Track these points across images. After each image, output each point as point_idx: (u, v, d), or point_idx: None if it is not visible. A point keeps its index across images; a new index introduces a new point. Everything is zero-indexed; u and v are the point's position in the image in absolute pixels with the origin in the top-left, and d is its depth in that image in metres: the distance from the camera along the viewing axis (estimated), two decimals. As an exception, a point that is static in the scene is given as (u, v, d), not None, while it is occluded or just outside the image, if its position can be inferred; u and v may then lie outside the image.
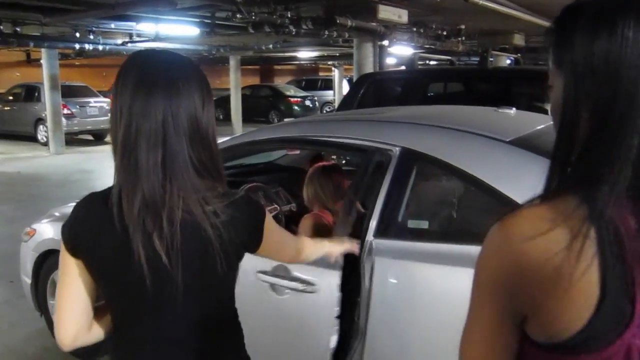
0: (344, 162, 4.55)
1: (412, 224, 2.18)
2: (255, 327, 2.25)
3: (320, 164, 2.97)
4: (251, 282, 2.22)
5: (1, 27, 9.61)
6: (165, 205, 1.09)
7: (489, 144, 2.12)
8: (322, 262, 1.96)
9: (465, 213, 2.30)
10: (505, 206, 2.01)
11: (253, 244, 1.25)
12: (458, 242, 2.00)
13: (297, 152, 4.27)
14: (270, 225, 1.29)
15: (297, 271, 2.16)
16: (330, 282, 2.09)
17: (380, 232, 2.12)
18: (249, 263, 2.27)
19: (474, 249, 1.89)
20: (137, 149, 1.08)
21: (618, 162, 0.68)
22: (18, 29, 10.04)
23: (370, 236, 2.11)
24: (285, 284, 2.17)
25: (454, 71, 6.38)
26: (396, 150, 2.20)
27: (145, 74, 1.11)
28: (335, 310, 2.07)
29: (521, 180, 2.02)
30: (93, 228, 1.13)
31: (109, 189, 1.14)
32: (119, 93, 1.11)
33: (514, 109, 2.74)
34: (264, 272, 2.22)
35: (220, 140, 2.79)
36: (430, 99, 5.51)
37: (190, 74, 1.15)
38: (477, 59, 15.91)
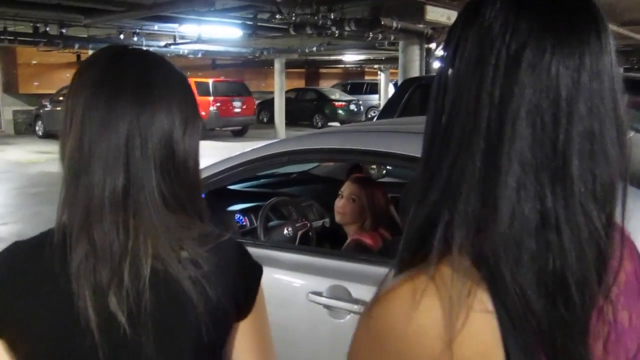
0: (384, 172, 4.25)
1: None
2: (308, 354, 2.03)
3: (359, 175, 2.63)
4: (302, 305, 1.99)
5: (47, 29, 9.73)
6: (126, 253, 0.78)
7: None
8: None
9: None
10: None
11: (245, 307, 0.90)
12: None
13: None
14: (262, 302, 0.93)
15: (359, 292, 1.91)
16: None
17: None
18: (300, 283, 2.05)
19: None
20: (90, 173, 0.78)
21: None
22: (64, 31, 10.16)
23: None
24: (345, 306, 1.91)
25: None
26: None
27: (110, 72, 0.82)
28: None
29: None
30: (23, 293, 0.79)
31: (43, 235, 0.82)
32: (71, 95, 0.82)
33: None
34: (318, 294, 1.96)
35: (258, 145, 2.61)
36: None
37: (171, 81, 0.86)
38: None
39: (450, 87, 0.57)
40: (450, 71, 0.58)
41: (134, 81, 0.81)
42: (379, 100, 21.75)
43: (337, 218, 2.47)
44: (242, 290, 0.88)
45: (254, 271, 0.92)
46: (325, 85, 25.35)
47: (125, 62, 0.84)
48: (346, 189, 2.45)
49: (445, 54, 0.59)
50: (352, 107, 19.81)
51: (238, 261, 0.89)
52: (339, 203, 2.45)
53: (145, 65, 0.85)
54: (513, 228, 0.52)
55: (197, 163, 0.88)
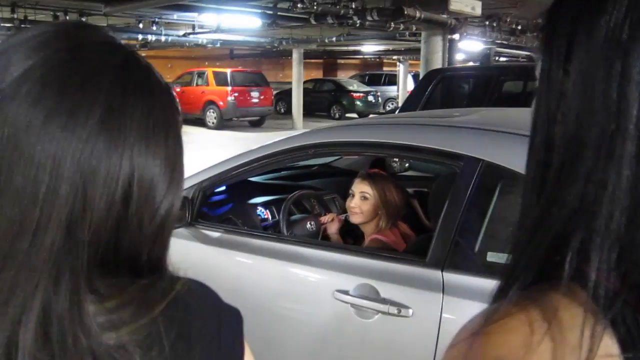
0: (407, 165, 4.16)
1: (492, 257, 1.77)
2: (333, 352, 1.96)
3: (367, 171, 2.53)
4: (327, 303, 1.92)
5: (67, 17, 9.74)
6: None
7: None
8: (420, 283, 1.76)
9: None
10: None
11: None
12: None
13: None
14: None
15: (387, 291, 1.83)
16: (428, 306, 1.75)
17: (450, 264, 1.74)
18: (324, 280, 1.98)
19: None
20: None
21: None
22: (83, 20, 10.16)
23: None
24: (374, 305, 1.83)
25: (535, 68, 5.79)
26: (476, 165, 1.80)
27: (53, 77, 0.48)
28: (434, 339, 1.72)
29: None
30: None
31: None
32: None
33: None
34: (344, 292, 1.89)
35: (279, 138, 2.53)
36: (508, 100, 4.98)
37: (104, 69, 0.51)
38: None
39: (572, 87, 0.47)
40: (561, 69, 0.48)
41: (25, 74, 0.48)
42: (397, 91, 21.59)
43: (353, 219, 2.37)
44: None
45: (233, 327, 0.60)
46: (343, 76, 25.21)
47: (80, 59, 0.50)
48: (356, 187, 2.36)
49: (552, 49, 0.50)
50: (370, 98, 19.65)
51: (207, 321, 0.57)
52: (351, 203, 2.35)
53: (78, 42, 0.51)
54: None
55: (174, 221, 0.57)
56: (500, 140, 1.89)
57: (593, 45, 0.46)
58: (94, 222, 0.48)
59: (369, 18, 7.47)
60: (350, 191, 2.38)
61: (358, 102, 19.33)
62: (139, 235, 0.52)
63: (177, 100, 0.59)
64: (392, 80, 22.91)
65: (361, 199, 2.32)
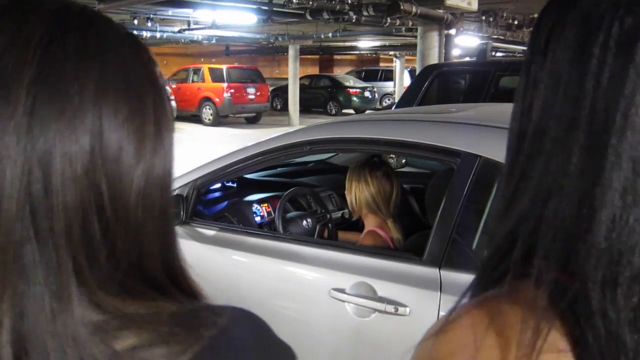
0: (404, 161, 4.15)
1: (490, 254, 1.75)
2: (329, 351, 1.95)
3: (367, 161, 2.52)
4: (324, 302, 1.90)
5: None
6: None
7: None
8: (417, 281, 1.76)
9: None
10: None
11: None
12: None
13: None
14: None
15: (384, 290, 1.82)
16: (425, 304, 1.74)
17: (447, 261, 1.72)
18: (321, 279, 1.95)
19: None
20: None
21: None
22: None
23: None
24: (370, 304, 1.82)
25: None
26: (473, 161, 1.78)
27: None
28: None
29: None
30: None
31: None
32: None
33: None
34: (341, 290, 1.87)
35: (275, 134, 2.52)
36: (505, 95, 4.97)
37: (112, 57, 0.44)
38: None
39: (543, 77, 0.48)
40: (539, 61, 0.49)
41: (33, 56, 0.40)
42: (393, 87, 21.55)
43: (352, 206, 2.39)
44: None
45: None
46: (339, 72, 25.16)
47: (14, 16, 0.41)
48: None
49: (534, 42, 0.50)
50: (367, 94, 19.62)
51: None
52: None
53: (54, 23, 0.42)
54: (612, 240, 0.42)
55: (168, 200, 0.47)
56: (498, 136, 1.87)
57: (564, 38, 0.47)
58: (61, 207, 0.39)
59: (365, 13, 7.44)
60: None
61: (354, 98, 19.30)
62: (125, 222, 0.43)
63: (148, 52, 0.48)
64: (388, 76, 22.88)
65: (357, 185, 2.33)
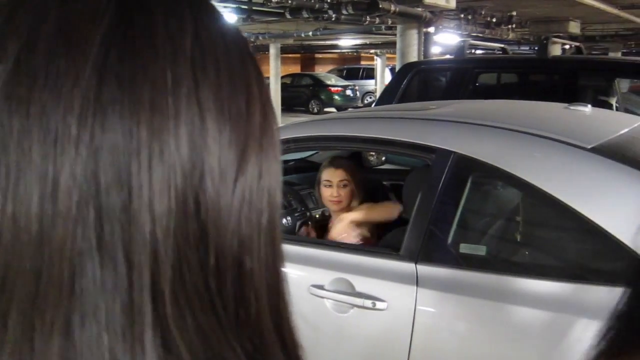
0: (384, 158, 4.18)
1: (465, 248, 1.78)
2: (309, 348, 2.02)
3: (336, 158, 2.55)
4: (303, 299, 1.92)
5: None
6: None
7: (565, 151, 1.70)
8: (394, 276, 1.77)
9: (533, 238, 1.88)
10: (586, 231, 1.65)
11: None
12: (523, 275, 1.63)
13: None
14: None
15: (362, 285, 1.84)
16: (402, 298, 1.76)
17: (423, 256, 1.75)
18: (300, 276, 1.96)
19: (543, 285, 1.49)
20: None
21: None
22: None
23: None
24: (349, 299, 1.85)
25: (509, 60, 5.83)
26: (448, 157, 1.81)
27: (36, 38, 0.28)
28: (409, 331, 1.74)
29: (607, 199, 1.62)
30: None
31: None
32: None
33: (589, 106, 2.29)
34: (319, 287, 1.90)
35: None
36: (482, 92, 5.02)
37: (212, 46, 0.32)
38: (528, 48, 15.24)
39: None
40: None
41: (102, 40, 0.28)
42: (375, 85, 21.62)
43: (335, 208, 2.39)
44: None
45: None
46: (321, 71, 25.16)
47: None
48: (332, 176, 2.37)
49: None
50: (349, 92, 19.65)
51: None
52: (329, 192, 2.36)
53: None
54: None
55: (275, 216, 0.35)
56: (471, 132, 1.91)
57: None
58: (147, 215, 0.28)
59: (344, 12, 7.45)
60: (326, 182, 2.38)
61: (336, 97, 19.32)
62: (222, 261, 0.31)
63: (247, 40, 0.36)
64: (370, 74, 22.94)
65: (342, 187, 2.35)
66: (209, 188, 0.30)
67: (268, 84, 0.38)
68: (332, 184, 2.36)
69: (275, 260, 0.34)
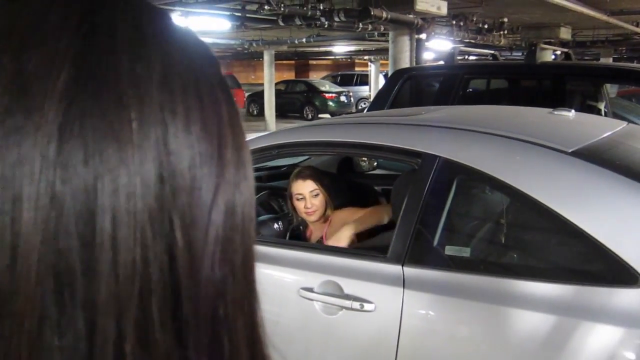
0: (375, 164, 4.22)
1: (450, 250, 1.82)
2: (300, 350, 1.98)
3: (301, 170, 2.55)
4: (293, 301, 1.96)
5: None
6: None
7: (547, 155, 1.75)
8: (381, 278, 1.79)
9: (517, 240, 1.92)
10: (567, 232, 1.69)
11: None
12: (507, 276, 1.67)
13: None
14: None
15: (351, 288, 1.87)
16: (389, 300, 1.79)
17: (410, 258, 1.79)
18: (290, 279, 2.02)
19: (526, 285, 1.53)
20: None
21: None
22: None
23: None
24: (337, 302, 1.88)
25: (498, 66, 5.90)
26: (433, 161, 1.85)
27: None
28: (396, 332, 1.77)
29: (588, 201, 1.66)
30: None
31: None
32: None
33: (572, 111, 2.34)
34: (309, 289, 1.93)
35: (247, 138, 2.53)
36: (472, 98, 5.08)
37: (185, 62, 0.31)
38: (519, 54, 15.35)
39: None
40: None
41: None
42: (369, 91, 21.70)
43: (312, 218, 2.42)
44: None
45: None
46: (315, 77, 25.23)
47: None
48: (302, 188, 2.40)
49: None
50: (343, 98, 19.71)
51: None
52: (303, 204, 2.39)
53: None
54: None
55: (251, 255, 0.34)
56: (456, 137, 1.95)
57: None
58: (109, 263, 0.26)
59: (337, 19, 7.51)
60: (297, 195, 2.40)
61: (330, 103, 19.37)
62: (197, 286, 0.29)
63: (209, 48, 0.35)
64: (364, 80, 23.01)
65: (313, 197, 2.39)
66: (179, 240, 0.28)
67: (240, 112, 0.34)
68: (303, 196, 2.39)
69: (250, 299, 0.33)
